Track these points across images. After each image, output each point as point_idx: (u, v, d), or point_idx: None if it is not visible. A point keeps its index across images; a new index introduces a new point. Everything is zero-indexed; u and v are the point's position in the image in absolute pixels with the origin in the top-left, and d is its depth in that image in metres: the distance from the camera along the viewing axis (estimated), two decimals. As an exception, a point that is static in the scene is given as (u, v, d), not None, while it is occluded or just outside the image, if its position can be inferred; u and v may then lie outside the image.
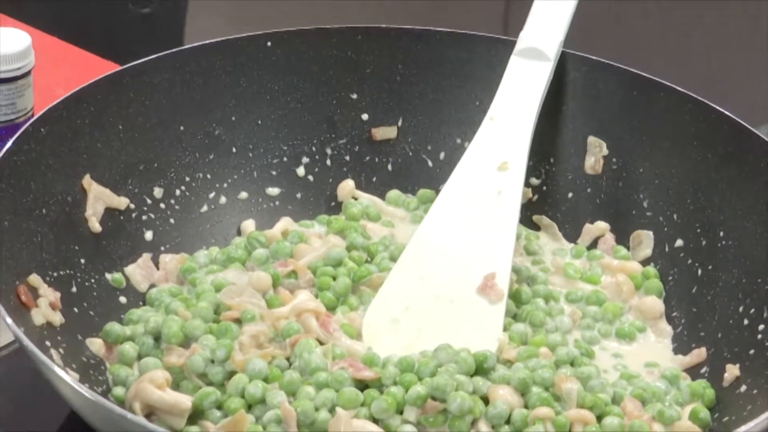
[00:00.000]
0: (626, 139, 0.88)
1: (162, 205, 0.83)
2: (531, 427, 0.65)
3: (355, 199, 0.89)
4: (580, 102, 0.89)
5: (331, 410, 0.65)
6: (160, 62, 0.85)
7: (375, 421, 0.66)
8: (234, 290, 0.74)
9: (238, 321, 0.73)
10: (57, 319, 0.69)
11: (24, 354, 0.65)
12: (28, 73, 0.91)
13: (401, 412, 0.66)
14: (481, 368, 0.70)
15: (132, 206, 0.81)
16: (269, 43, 0.86)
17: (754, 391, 0.70)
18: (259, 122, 0.87)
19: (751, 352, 0.74)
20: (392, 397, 0.66)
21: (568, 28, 0.89)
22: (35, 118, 0.77)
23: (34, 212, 0.72)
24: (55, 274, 0.70)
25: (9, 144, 0.75)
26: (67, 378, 0.62)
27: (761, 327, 0.74)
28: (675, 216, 0.84)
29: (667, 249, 0.84)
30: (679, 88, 0.86)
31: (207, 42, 0.87)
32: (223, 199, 0.86)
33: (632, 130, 0.88)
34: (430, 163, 0.90)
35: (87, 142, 0.79)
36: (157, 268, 0.81)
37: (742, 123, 0.83)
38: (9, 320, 0.63)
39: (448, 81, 0.91)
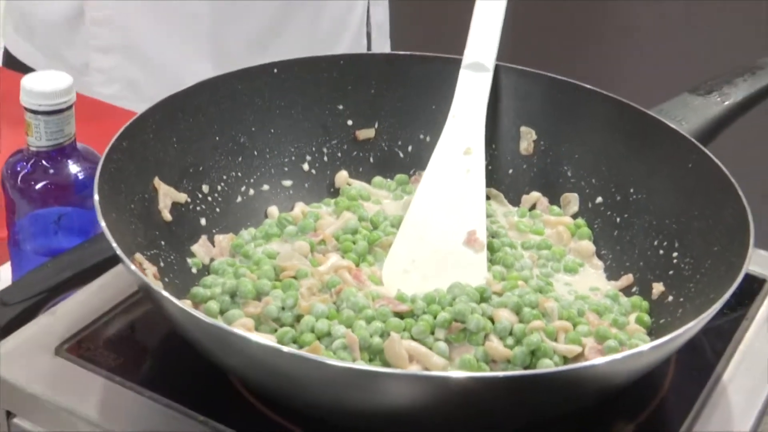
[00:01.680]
0: (550, 126, 0.91)
1: (209, 198, 0.86)
2: (528, 336, 0.69)
3: (349, 185, 0.91)
4: (513, 100, 0.92)
5: (382, 335, 0.69)
6: (198, 88, 0.87)
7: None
8: (286, 256, 0.78)
9: (293, 278, 0.76)
10: (161, 286, 0.72)
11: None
12: (71, 106, 0.91)
13: (433, 333, 0.70)
14: (482, 298, 0.74)
15: (188, 200, 0.84)
16: (275, 70, 0.89)
17: (681, 299, 0.76)
18: (272, 131, 0.90)
19: (671, 272, 0.79)
20: (426, 322, 0.70)
21: (498, 44, 0.92)
22: (118, 134, 0.79)
23: (127, 207, 0.75)
24: (148, 253, 0.74)
25: (102, 157, 0.76)
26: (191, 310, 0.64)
27: (675, 254, 0.80)
28: (593, 180, 0.88)
29: (590, 205, 0.88)
30: (587, 85, 0.90)
31: (231, 71, 0.89)
32: (251, 191, 0.89)
33: (554, 120, 0.91)
34: (401, 155, 0.93)
35: (153, 152, 0.82)
36: (213, 246, 0.84)
37: (638, 107, 0.87)
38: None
39: (410, 91, 0.93)
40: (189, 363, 0.71)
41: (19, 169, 0.93)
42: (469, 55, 0.90)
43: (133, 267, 0.67)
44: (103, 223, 0.69)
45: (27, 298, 0.81)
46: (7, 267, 0.98)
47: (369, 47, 1.71)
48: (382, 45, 1.77)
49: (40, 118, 0.89)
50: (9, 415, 0.70)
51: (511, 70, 0.93)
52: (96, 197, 0.72)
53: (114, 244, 0.67)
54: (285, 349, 0.62)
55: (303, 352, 0.62)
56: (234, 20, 1.58)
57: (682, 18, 2.09)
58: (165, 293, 0.64)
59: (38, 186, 0.92)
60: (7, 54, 1.69)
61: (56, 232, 0.95)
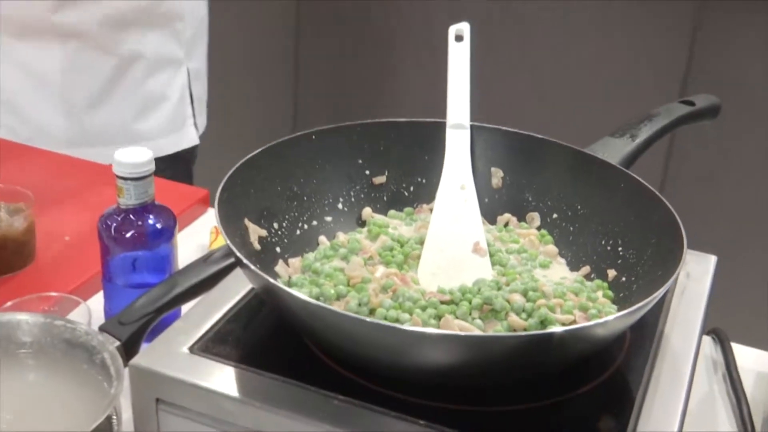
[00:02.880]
0: (512, 166, 0.95)
1: (279, 232, 0.89)
2: (537, 311, 0.73)
3: (372, 217, 0.94)
4: (483, 149, 0.95)
5: (435, 318, 0.73)
6: (262, 153, 0.88)
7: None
8: (352, 268, 0.81)
9: (359, 284, 0.79)
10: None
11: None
12: (152, 174, 0.93)
13: (470, 314, 0.74)
14: (498, 287, 0.77)
15: (267, 234, 0.87)
16: (314, 137, 0.93)
17: (632, 278, 0.81)
18: (314, 182, 0.93)
19: (619, 261, 0.84)
20: (466, 305, 0.74)
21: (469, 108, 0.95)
22: (221, 186, 0.82)
23: (234, 239, 0.76)
24: (251, 273, 0.78)
25: (216, 205, 0.79)
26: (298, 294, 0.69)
27: (620, 248, 0.85)
28: (549, 202, 0.92)
29: (549, 220, 0.92)
30: (537, 135, 0.94)
31: (282, 139, 0.91)
32: (305, 226, 0.91)
33: (515, 161, 0.94)
34: (406, 194, 0.96)
35: (240, 199, 0.84)
36: (288, 266, 0.86)
37: (576, 147, 0.91)
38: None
39: (409, 146, 0.96)
40: (279, 349, 0.77)
41: (110, 222, 0.94)
42: (451, 119, 0.94)
43: (255, 269, 0.70)
44: (234, 249, 0.73)
45: (137, 319, 0.80)
46: (100, 295, 1.00)
47: (193, 113, 1.66)
48: (201, 113, 1.73)
49: (129, 183, 0.92)
50: (158, 401, 0.72)
51: (481, 127, 0.96)
52: (222, 231, 0.75)
53: (238, 254, 0.72)
54: (383, 322, 0.68)
55: (391, 324, 0.68)
56: (77, 76, 1.52)
57: (600, 82, 2.09)
58: (288, 289, 0.70)
59: (127, 235, 0.94)
60: None
61: (134, 270, 0.97)
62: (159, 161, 1.30)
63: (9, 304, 0.91)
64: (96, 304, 0.99)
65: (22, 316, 0.80)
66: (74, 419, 0.70)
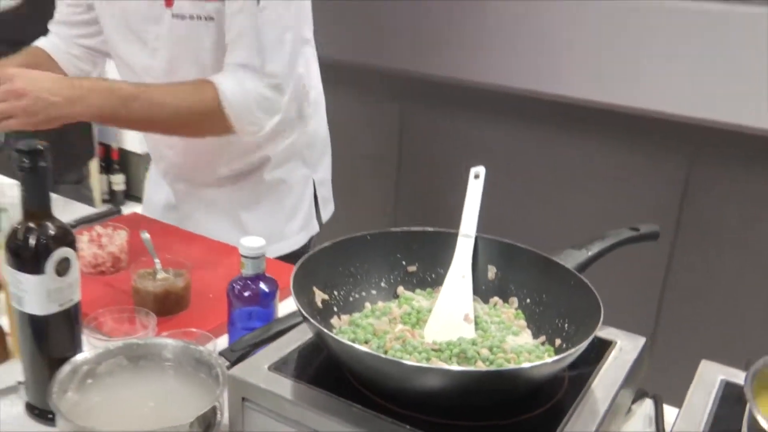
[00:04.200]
0: (502, 264, 0.98)
1: (336, 298, 0.94)
2: (496, 360, 0.79)
3: (404, 293, 0.98)
4: (484, 252, 0.98)
5: (426, 359, 0.79)
6: (332, 246, 0.95)
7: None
8: (379, 324, 0.88)
9: (383, 333, 0.85)
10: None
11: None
12: (264, 255, 1.01)
13: (451, 359, 0.80)
14: (473, 343, 0.83)
15: (327, 298, 0.92)
16: (368, 237, 0.97)
17: (570, 345, 0.84)
18: (365, 266, 0.97)
19: (563, 334, 0.88)
20: (448, 354, 0.80)
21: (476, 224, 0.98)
22: (297, 265, 0.87)
23: (302, 301, 0.82)
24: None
25: (292, 278, 0.84)
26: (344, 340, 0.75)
27: (566, 325, 0.88)
28: (524, 291, 0.95)
29: (524, 303, 0.95)
30: (521, 245, 0.96)
31: (344, 238, 0.96)
32: (356, 295, 0.96)
33: (504, 261, 0.98)
34: (428, 279, 0.99)
35: (312, 273, 0.90)
36: (340, 320, 0.91)
37: (546, 255, 0.94)
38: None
39: (434, 247, 0.99)
40: (323, 372, 0.82)
41: (235, 286, 1.01)
42: (463, 229, 0.98)
43: (315, 322, 0.77)
44: (300, 308, 0.80)
45: (242, 348, 0.92)
46: (225, 337, 1.06)
47: (317, 210, 1.62)
48: (326, 208, 1.67)
49: (249, 260, 1.00)
50: (244, 399, 0.80)
51: (483, 237, 0.99)
52: (294, 296, 0.82)
53: (305, 315, 0.78)
54: (390, 357, 0.77)
55: (396, 359, 0.75)
56: (239, 199, 1.52)
57: (573, 208, 2.01)
58: (331, 333, 0.77)
59: (245, 294, 1.01)
60: None
61: (250, 318, 1.02)
62: (295, 254, 1.36)
63: (165, 333, 1.01)
64: (222, 339, 1.06)
65: (170, 341, 0.90)
66: (194, 406, 0.78)
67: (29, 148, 0.82)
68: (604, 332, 0.93)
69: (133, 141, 4.13)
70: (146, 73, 1.32)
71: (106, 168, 4.18)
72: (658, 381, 1.01)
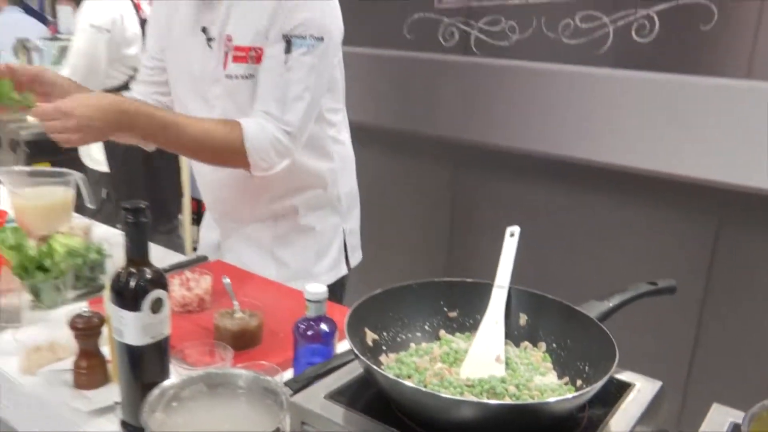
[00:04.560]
0: (532, 313, 1.00)
1: (385, 338, 0.97)
2: (522, 396, 0.82)
3: (445, 336, 1.00)
4: (515, 301, 1.00)
5: (460, 394, 0.83)
6: (380, 295, 0.98)
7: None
8: (420, 361, 0.91)
9: (422, 370, 0.89)
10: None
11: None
12: (325, 300, 1.05)
13: (482, 394, 0.83)
14: (502, 380, 0.86)
15: (377, 338, 0.96)
16: (414, 286, 1.00)
17: (587, 386, 0.84)
18: (412, 311, 1.00)
19: (584, 375, 0.90)
20: (479, 388, 0.84)
21: (510, 276, 1.00)
22: (351, 309, 0.91)
23: (354, 340, 0.86)
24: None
25: (346, 321, 0.88)
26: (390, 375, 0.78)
27: (586, 368, 0.90)
28: (552, 336, 0.97)
29: (551, 347, 0.97)
30: (549, 296, 0.98)
31: (393, 286, 0.98)
32: (402, 337, 0.99)
33: (534, 310, 1.00)
34: (467, 324, 1.02)
35: (364, 316, 0.94)
36: (388, 357, 0.94)
37: (572, 305, 0.96)
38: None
39: (472, 295, 1.02)
40: (371, 403, 0.85)
41: (300, 326, 1.05)
42: (498, 281, 1.00)
43: (364, 359, 0.82)
44: (352, 347, 0.84)
45: (304, 379, 0.94)
46: (290, 370, 1.09)
47: (346, 257, 1.67)
48: (354, 254, 1.70)
49: (312, 304, 1.04)
50: (303, 423, 0.85)
51: (515, 288, 1.01)
52: (348, 336, 0.86)
53: (356, 353, 0.83)
54: (428, 390, 0.80)
55: (433, 392, 0.79)
56: (279, 239, 1.56)
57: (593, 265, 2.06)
58: (378, 369, 0.80)
59: (308, 334, 1.05)
60: None
61: (312, 354, 1.05)
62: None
63: (240, 365, 1.04)
64: (287, 372, 1.09)
65: (243, 372, 0.92)
66: (262, 429, 0.82)
67: (133, 206, 0.91)
68: (624, 375, 0.95)
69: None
70: None
71: (197, 220, 4.34)
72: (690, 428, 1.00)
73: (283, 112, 1.32)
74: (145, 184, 2.84)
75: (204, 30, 1.39)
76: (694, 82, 1.68)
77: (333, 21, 1.36)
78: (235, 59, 1.35)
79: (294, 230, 1.57)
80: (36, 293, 1.36)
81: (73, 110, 1.18)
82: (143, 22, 2.70)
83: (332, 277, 1.63)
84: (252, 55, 1.33)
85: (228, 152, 1.33)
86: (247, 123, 1.33)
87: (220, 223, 1.63)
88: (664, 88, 1.72)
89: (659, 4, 1.73)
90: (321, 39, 1.31)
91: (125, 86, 2.62)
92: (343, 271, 1.67)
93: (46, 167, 3.36)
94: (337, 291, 1.65)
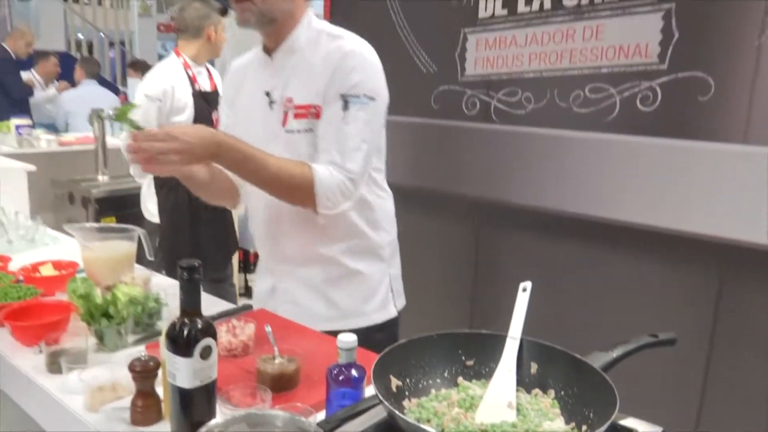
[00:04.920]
0: (543, 362, 1.00)
1: (407, 383, 0.98)
2: None
3: (462, 383, 1.01)
4: (527, 351, 1.01)
5: None
6: (407, 342, 0.99)
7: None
8: (439, 407, 0.93)
9: (440, 414, 0.90)
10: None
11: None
12: (355, 348, 1.05)
13: None
14: (513, 425, 0.88)
15: (401, 384, 0.97)
16: (435, 337, 1.02)
17: (591, 430, 0.85)
18: (432, 360, 1.01)
19: (589, 422, 0.89)
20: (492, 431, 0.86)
21: (522, 328, 1.01)
22: (377, 359, 0.92)
23: (380, 386, 0.88)
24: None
25: (372, 369, 0.91)
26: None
27: (591, 414, 0.90)
28: (560, 384, 0.97)
29: (560, 395, 0.97)
30: (558, 347, 0.98)
31: (415, 337, 1.01)
32: (423, 383, 1.00)
33: (544, 359, 1.00)
34: (482, 372, 1.02)
35: (390, 364, 0.95)
36: (410, 402, 0.95)
37: (577, 355, 0.96)
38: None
39: (488, 345, 1.02)
40: None
41: (333, 371, 1.06)
42: (511, 332, 1.01)
43: (387, 404, 0.84)
44: (376, 392, 0.86)
45: (335, 421, 0.96)
46: (323, 411, 1.09)
47: (393, 300, 1.67)
48: (399, 298, 1.71)
49: (344, 351, 1.05)
50: None
51: (527, 339, 1.01)
52: (374, 383, 0.88)
53: (381, 398, 0.85)
54: None
55: None
56: (329, 281, 1.57)
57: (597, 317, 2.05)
58: (399, 413, 0.83)
59: (340, 378, 1.05)
60: None
61: (343, 397, 1.05)
62: (375, 327, 1.44)
63: (278, 407, 1.05)
64: (321, 413, 1.09)
65: (281, 413, 0.94)
66: None
67: (188, 265, 0.97)
68: (626, 421, 0.94)
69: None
70: None
71: (244, 268, 4.42)
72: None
73: (345, 161, 1.39)
74: (191, 235, 2.90)
75: (267, 94, 1.48)
76: (694, 146, 1.70)
77: (381, 85, 1.44)
78: (296, 116, 1.42)
79: (343, 273, 1.58)
80: (100, 337, 1.41)
81: (179, 135, 1.26)
82: (198, 94, 2.79)
83: (382, 317, 1.64)
84: (312, 112, 1.40)
85: (300, 190, 1.39)
86: (317, 166, 1.39)
87: (274, 268, 1.64)
88: (667, 153, 1.74)
89: (661, 77, 1.76)
90: (373, 99, 1.39)
91: None
92: (393, 312, 1.68)
93: (112, 222, 3.50)
94: (390, 330, 1.66)
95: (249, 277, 4.44)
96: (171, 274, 3.03)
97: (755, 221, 1.63)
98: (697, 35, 1.69)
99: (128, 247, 1.76)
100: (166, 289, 1.62)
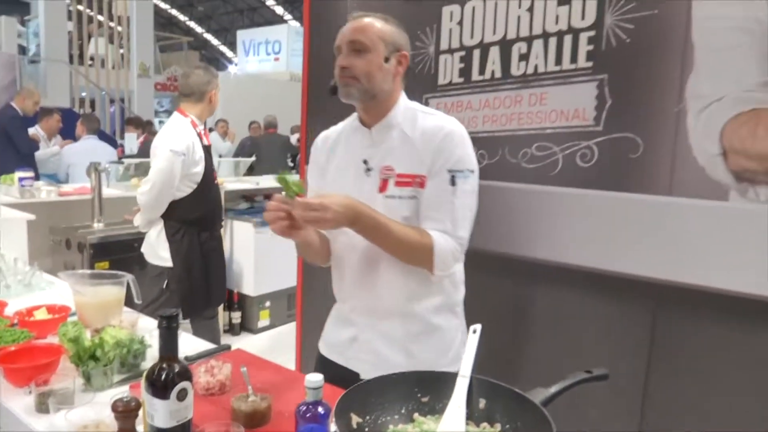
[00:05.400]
0: (490, 397, 1.01)
1: (369, 420, 0.99)
2: None
3: (418, 418, 1.02)
4: (476, 388, 1.02)
5: None
6: (366, 382, 1.00)
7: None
8: None
9: None
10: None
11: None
12: (321, 387, 1.01)
13: None
14: None
15: (362, 421, 0.98)
16: (394, 377, 1.02)
17: None
18: (391, 397, 1.01)
19: None
20: None
21: (472, 368, 1.03)
22: (339, 398, 0.94)
23: (340, 423, 0.89)
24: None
25: (334, 408, 0.92)
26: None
27: None
28: (506, 418, 0.98)
29: (505, 428, 0.98)
30: (503, 384, 1.00)
31: (377, 377, 1.02)
32: (383, 419, 1.00)
33: (491, 395, 1.01)
34: (437, 407, 1.02)
35: (349, 404, 0.96)
36: None
37: (520, 391, 0.98)
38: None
39: (441, 384, 1.03)
40: None
41: (301, 408, 1.02)
42: (462, 371, 1.03)
43: None
44: (337, 428, 0.87)
45: None
46: None
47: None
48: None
49: (310, 391, 1.02)
50: None
51: (475, 377, 1.03)
52: (334, 421, 0.90)
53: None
54: None
55: None
56: (409, 335, 1.48)
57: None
58: None
59: (307, 416, 1.01)
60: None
61: None
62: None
63: None
64: None
65: None
66: None
67: (167, 314, 0.97)
68: None
69: (248, 286, 4.34)
70: (359, 239, 1.41)
71: (228, 307, 4.37)
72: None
73: (456, 229, 1.41)
74: (203, 276, 3.00)
75: (365, 161, 1.47)
76: (627, 198, 1.74)
77: (475, 158, 1.47)
78: (400, 184, 1.42)
79: (423, 329, 1.51)
80: (87, 378, 1.38)
81: (331, 205, 1.26)
82: (206, 148, 2.95)
83: (455, 369, 1.59)
84: (417, 181, 1.41)
85: (421, 253, 1.39)
86: (434, 233, 1.40)
87: (356, 320, 1.55)
88: (604, 203, 1.78)
89: (597, 137, 1.82)
90: (472, 171, 1.43)
91: (189, 197, 2.83)
92: (456, 366, 1.61)
93: (105, 266, 3.46)
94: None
95: (233, 315, 4.39)
96: (186, 313, 3.08)
97: (683, 262, 1.67)
98: (627, 102, 1.74)
99: (117, 292, 1.74)
100: (153, 331, 1.59)
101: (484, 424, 1.00)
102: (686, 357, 1.70)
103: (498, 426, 0.99)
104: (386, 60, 1.40)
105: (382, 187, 1.44)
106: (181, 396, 0.95)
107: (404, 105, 1.49)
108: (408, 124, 1.46)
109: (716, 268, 1.58)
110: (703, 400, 1.65)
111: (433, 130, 1.42)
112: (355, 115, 1.52)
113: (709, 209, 1.57)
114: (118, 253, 3.54)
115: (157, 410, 0.94)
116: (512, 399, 0.99)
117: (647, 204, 1.71)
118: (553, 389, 1.01)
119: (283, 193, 1.32)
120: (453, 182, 1.40)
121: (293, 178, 1.29)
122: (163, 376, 0.94)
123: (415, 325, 1.51)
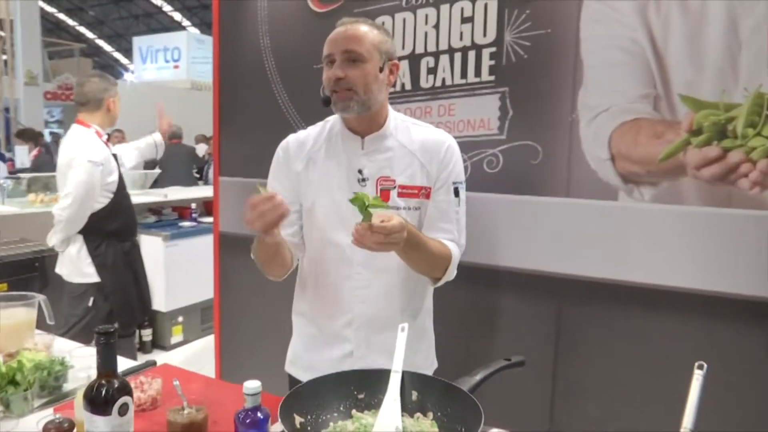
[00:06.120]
0: (422, 390, 1.05)
1: (311, 419, 1.00)
2: None
3: (356, 414, 1.04)
4: (408, 382, 1.05)
5: None
6: (307, 383, 1.02)
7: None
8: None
9: None
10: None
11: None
12: (259, 393, 1.03)
13: None
14: None
15: (303, 420, 1.00)
16: (336, 377, 1.03)
17: None
18: (328, 397, 1.04)
19: None
20: None
21: (402, 364, 1.04)
22: (282, 401, 0.95)
23: (285, 422, 0.90)
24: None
25: (279, 409, 0.94)
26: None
27: (463, 430, 0.94)
28: (437, 406, 1.02)
29: (437, 415, 1.03)
30: (431, 375, 1.06)
31: (316, 377, 1.03)
32: (323, 417, 1.02)
33: (423, 387, 1.05)
34: (372, 403, 1.05)
35: (291, 404, 0.97)
36: None
37: (448, 381, 1.01)
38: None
39: (373, 381, 1.05)
40: None
41: (240, 415, 1.05)
42: (394, 367, 1.04)
43: None
44: (284, 430, 0.89)
45: None
46: None
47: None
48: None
49: (249, 397, 1.04)
50: None
51: (406, 372, 1.06)
52: (280, 421, 0.91)
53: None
54: None
55: None
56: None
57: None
58: None
59: (247, 421, 1.04)
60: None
61: None
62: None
63: None
64: None
65: None
66: None
67: (105, 330, 0.96)
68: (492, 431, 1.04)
69: (159, 302, 4.20)
70: (353, 251, 1.35)
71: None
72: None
73: (460, 238, 1.45)
74: (134, 286, 2.93)
75: (359, 171, 1.42)
76: (530, 200, 1.86)
77: None
78: (404, 195, 1.41)
79: (415, 334, 1.46)
80: (6, 405, 1.32)
81: (402, 228, 1.22)
82: (115, 156, 2.89)
83: (431, 370, 1.58)
84: (423, 193, 1.41)
85: (442, 264, 1.40)
86: (449, 244, 1.42)
87: (353, 335, 1.47)
88: (509, 205, 1.87)
89: (502, 145, 1.94)
90: (464, 181, 1.47)
91: (108, 208, 2.75)
92: (435, 363, 1.61)
93: (3, 289, 3.23)
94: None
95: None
96: (125, 327, 2.89)
97: (582, 258, 1.81)
98: (527, 112, 1.86)
99: (26, 314, 1.66)
100: (72, 351, 1.54)
101: (418, 414, 1.04)
102: (588, 341, 1.84)
103: (431, 415, 1.04)
104: (380, 70, 1.35)
105: (384, 198, 1.39)
106: (123, 411, 0.95)
107: (393, 114, 1.46)
108: (402, 134, 1.44)
109: (610, 262, 1.72)
110: (606, 382, 1.78)
111: (435, 144, 1.43)
112: (333, 120, 1.46)
113: (602, 208, 1.70)
114: (18, 274, 3.32)
115: (99, 427, 0.94)
116: (441, 389, 1.04)
117: (548, 205, 1.84)
118: (478, 377, 1.08)
119: (358, 212, 1.18)
120: (456, 193, 1.44)
121: (370, 197, 1.16)
122: (103, 392, 0.94)
123: (410, 332, 1.48)
